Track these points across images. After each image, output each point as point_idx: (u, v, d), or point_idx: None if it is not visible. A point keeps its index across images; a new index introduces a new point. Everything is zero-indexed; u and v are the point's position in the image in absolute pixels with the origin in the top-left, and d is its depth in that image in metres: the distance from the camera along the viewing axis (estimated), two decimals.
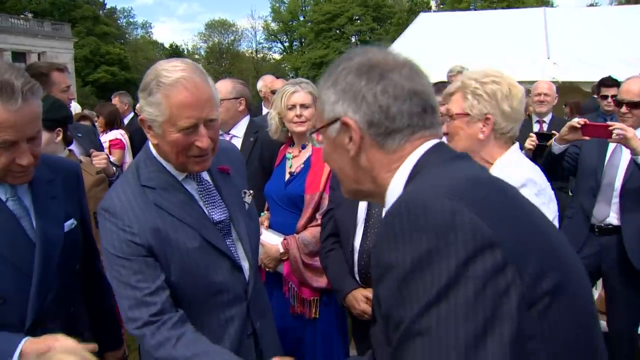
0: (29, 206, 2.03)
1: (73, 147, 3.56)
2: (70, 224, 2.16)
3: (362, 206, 2.92)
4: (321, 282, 3.32)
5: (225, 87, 4.05)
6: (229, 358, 1.95)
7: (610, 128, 3.45)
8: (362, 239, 2.89)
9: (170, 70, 1.89)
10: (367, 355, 1.84)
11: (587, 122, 3.64)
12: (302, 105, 3.42)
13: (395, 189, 1.30)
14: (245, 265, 2.21)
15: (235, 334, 2.14)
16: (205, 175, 2.17)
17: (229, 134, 4.06)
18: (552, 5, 43.94)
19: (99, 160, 3.56)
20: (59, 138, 3.09)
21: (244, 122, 4.15)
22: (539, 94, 5.94)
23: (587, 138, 3.67)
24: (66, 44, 50.68)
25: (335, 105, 1.34)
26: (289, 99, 3.44)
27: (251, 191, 2.36)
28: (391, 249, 1.04)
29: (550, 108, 6.05)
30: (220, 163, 2.22)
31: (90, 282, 2.38)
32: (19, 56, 43.13)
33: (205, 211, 2.11)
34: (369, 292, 2.87)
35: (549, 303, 1.02)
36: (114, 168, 3.86)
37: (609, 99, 5.74)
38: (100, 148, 4.02)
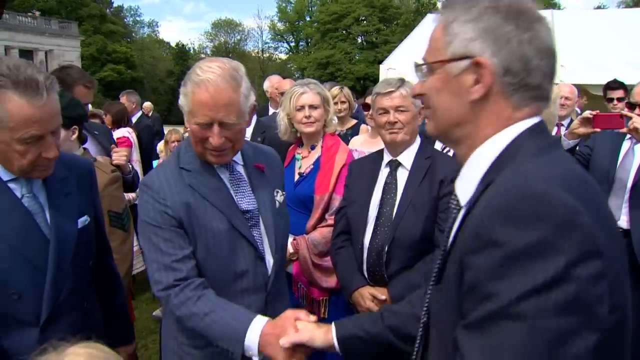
0: (43, 203, 2.07)
1: (90, 145, 3.60)
2: (83, 220, 2.19)
3: (374, 204, 2.94)
4: (330, 282, 3.35)
5: None
6: (244, 313, 2.07)
7: (624, 116, 3.45)
8: (372, 237, 2.90)
9: (204, 69, 2.06)
10: (404, 302, 1.92)
11: (599, 113, 3.62)
12: (311, 106, 3.46)
13: (487, 151, 1.26)
14: (269, 259, 2.29)
15: None
16: (239, 168, 2.31)
17: None
18: (559, 8, 43.81)
19: (119, 156, 3.59)
20: (75, 136, 3.12)
21: (251, 123, 4.17)
22: (561, 97, 5.82)
23: (598, 130, 3.62)
24: (73, 42, 50.85)
25: (471, 42, 1.24)
26: (298, 100, 3.49)
27: (284, 192, 2.46)
28: (504, 226, 1.03)
29: (570, 111, 6.01)
30: (257, 161, 2.37)
31: (102, 279, 2.42)
32: (26, 54, 43.26)
33: (235, 199, 2.23)
34: (375, 291, 2.90)
35: (616, 319, 1.05)
36: (130, 166, 3.89)
37: (615, 102, 5.74)
38: (110, 142, 4.05)
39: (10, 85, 1.81)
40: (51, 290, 2.02)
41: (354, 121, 5.98)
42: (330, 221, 3.34)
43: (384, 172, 3.00)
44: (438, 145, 3.64)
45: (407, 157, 2.95)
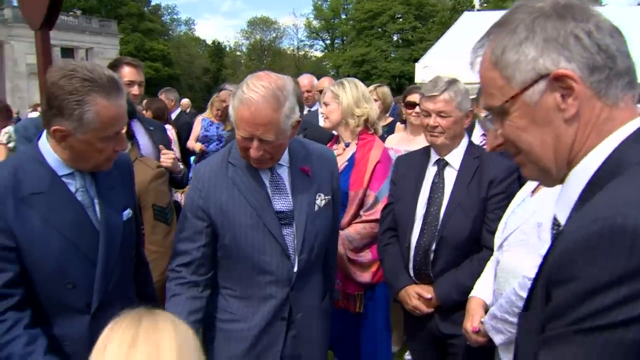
0: (93, 196, 2.16)
1: (144, 140, 3.69)
2: (127, 213, 2.29)
3: (422, 203, 2.96)
4: (365, 277, 3.39)
5: None
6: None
7: None
8: (419, 235, 2.92)
9: (250, 87, 2.19)
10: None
11: None
12: (324, 104, 3.61)
13: (587, 166, 1.13)
14: (296, 257, 2.40)
15: (268, 313, 2.42)
16: (283, 170, 2.46)
17: None
18: (600, 4, 42.86)
19: (166, 158, 3.66)
20: (123, 131, 3.21)
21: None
22: None
23: None
24: (112, 40, 51.76)
25: (538, 60, 1.12)
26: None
27: (327, 197, 2.54)
28: (587, 262, 0.95)
29: None
30: (305, 164, 2.49)
31: (136, 269, 2.50)
32: (67, 52, 44.30)
33: (271, 199, 2.38)
34: (421, 289, 2.93)
35: None
36: (181, 166, 3.95)
37: None
38: (169, 142, 4.09)
39: (97, 89, 1.92)
40: (101, 280, 2.12)
41: (390, 119, 6.00)
42: (365, 217, 3.38)
43: (432, 170, 3.01)
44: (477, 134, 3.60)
45: (455, 157, 2.95)
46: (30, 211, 1.99)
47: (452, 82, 2.90)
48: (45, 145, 2.07)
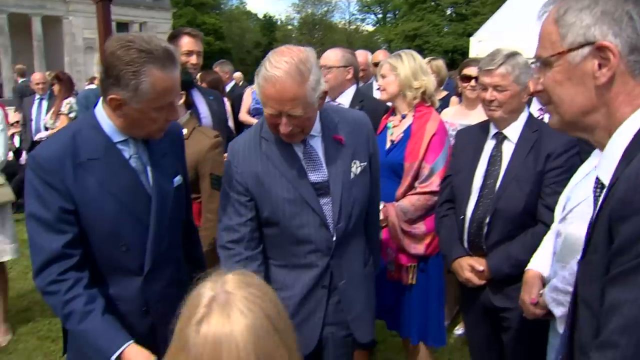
0: (145, 163, 2.24)
1: (206, 109, 3.79)
2: (178, 179, 2.37)
3: (479, 176, 2.97)
4: (419, 248, 3.41)
5: (334, 55, 4.18)
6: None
7: None
8: (475, 208, 2.93)
9: (273, 64, 2.19)
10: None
11: None
12: (382, 76, 3.62)
13: (626, 131, 1.26)
14: (334, 225, 2.44)
15: (309, 281, 2.47)
16: (315, 140, 2.44)
17: (336, 101, 4.14)
18: None
19: None
20: (182, 101, 3.29)
21: (351, 91, 4.25)
22: None
23: None
24: (165, 15, 52.27)
25: (590, 28, 1.26)
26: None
27: (363, 163, 2.54)
28: None
29: None
30: (338, 132, 2.48)
31: (185, 234, 2.58)
32: (122, 26, 44.98)
33: (306, 171, 2.38)
34: (474, 262, 2.94)
35: None
36: None
37: None
38: (226, 113, 4.20)
39: (153, 60, 1.98)
40: (153, 243, 2.21)
41: (444, 93, 5.96)
42: (420, 189, 3.39)
43: (490, 144, 3.00)
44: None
45: (514, 131, 2.93)
46: (87, 176, 2.08)
47: (511, 55, 2.86)
48: (101, 112, 2.16)
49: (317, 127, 2.47)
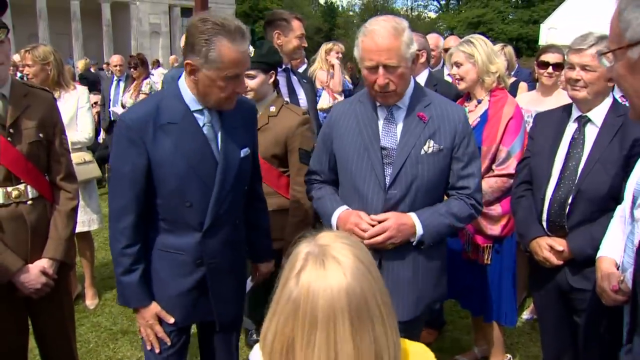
0: (217, 132, 2.48)
1: (302, 91, 3.99)
2: (245, 151, 2.58)
3: (559, 158, 2.98)
4: (495, 230, 3.49)
5: None
6: (336, 203, 2.72)
7: None
8: (555, 189, 2.94)
9: (372, 23, 2.49)
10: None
11: None
12: (456, 63, 3.68)
13: None
14: (391, 192, 2.58)
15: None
16: (399, 112, 2.64)
17: None
18: None
19: None
20: (272, 80, 3.46)
21: (424, 75, 4.32)
22: None
23: None
24: (229, 0, 53.10)
25: None
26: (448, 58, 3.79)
27: (438, 146, 2.59)
28: None
29: None
30: (423, 111, 2.61)
31: (251, 203, 2.84)
32: (186, 11, 45.80)
33: (380, 134, 2.61)
34: (553, 241, 2.95)
35: None
36: None
37: None
38: (315, 93, 4.41)
39: (224, 33, 2.23)
40: (215, 204, 2.45)
41: (513, 79, 5.95)
42: (497, 171, 3.46)
43: (572, 127, 3.01)
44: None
45: (598, 114, 2.92)
46: (164, 137, 2.35)
47: (603, 37, 2.84)
48: (183, 83, 2.42)
49: (405, 101, 2.62)
